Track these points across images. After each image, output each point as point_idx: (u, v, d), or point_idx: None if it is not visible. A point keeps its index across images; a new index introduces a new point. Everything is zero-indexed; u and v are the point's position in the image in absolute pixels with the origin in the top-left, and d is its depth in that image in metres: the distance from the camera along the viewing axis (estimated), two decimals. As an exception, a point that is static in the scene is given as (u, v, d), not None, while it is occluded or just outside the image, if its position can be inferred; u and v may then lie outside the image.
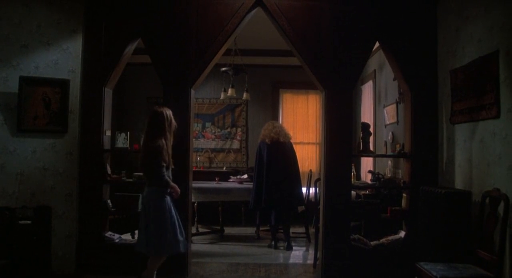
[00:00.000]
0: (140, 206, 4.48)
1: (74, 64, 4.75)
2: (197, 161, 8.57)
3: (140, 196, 4.40)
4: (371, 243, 4.80)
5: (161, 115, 4.09)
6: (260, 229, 6.89)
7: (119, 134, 4.94)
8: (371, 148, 5.37)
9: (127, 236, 5.75)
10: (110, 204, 4.87)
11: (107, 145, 4.88)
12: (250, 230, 7.19)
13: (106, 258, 4.68)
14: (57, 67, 4.71)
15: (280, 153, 6.21)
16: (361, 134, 4.99)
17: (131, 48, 4.91)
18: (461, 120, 4.19)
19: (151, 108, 4.33)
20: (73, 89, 4.73)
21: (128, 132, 4.99)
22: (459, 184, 4.25)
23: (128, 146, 4.97)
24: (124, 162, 7.43)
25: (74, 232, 4.69)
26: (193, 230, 6.66)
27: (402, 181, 5.06)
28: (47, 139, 4.67)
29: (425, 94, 4.77)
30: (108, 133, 4.91)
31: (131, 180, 4.92)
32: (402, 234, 4.85)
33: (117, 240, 4.82)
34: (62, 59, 4.72)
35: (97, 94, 4.78)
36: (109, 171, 4.90)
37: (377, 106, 7.24)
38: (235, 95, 6.96)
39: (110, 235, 4.84)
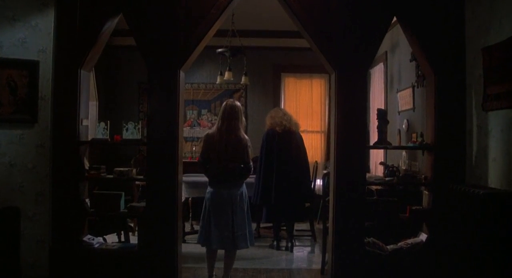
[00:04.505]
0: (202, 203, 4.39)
1: (44, 43, 4.11)
2: (193, 151, 7.95)
3: (214, 192, 4.25)
4: (388, 247, 4.23)
5: (239, 108, 4.30)
6: (261, 226, 6.32)
7: (98, 124, 4.32)
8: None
9: (113, 238, 5.19)
10: (88, 204, 4.28)
11: (84, 136, 4.27)
12: (249, 227, 6.60)
13: (84, 265, 4.13)
14: (24, 46, 4.06)
15: (292, 143, 5.61)
16: (377, 123, 4.38)
17: (111, 25, 4.27)
18: (497, 107, 3.55)
19: (226, 101, 4.40)
20: (43, 72, 4.10)
21: (109, 122, 4.36)
22: (493, 180, 3.63)
23: (108, 136, 4.34)
24: (104, 155, 6.81)
25: (47, 236, 4.11)
26: (188, 228, 6.10)
27: (423, 176, 4.44)
28: (13, 129, 4.05)
29: (451, 76, 4.14)
30: (86, 122, 4.29)
31: (111, 176, 4.31)
32: (423, 237, 4.25)
33: (96, 245, 4.24)
34: (30, 38, 4.08)
35: (72, 78, 4.15)
36: (86, 166, 4.30)
37: (389, 92, 6.61)
38: (232, 79, 6.32)
39: (88, 239, 4.25)
